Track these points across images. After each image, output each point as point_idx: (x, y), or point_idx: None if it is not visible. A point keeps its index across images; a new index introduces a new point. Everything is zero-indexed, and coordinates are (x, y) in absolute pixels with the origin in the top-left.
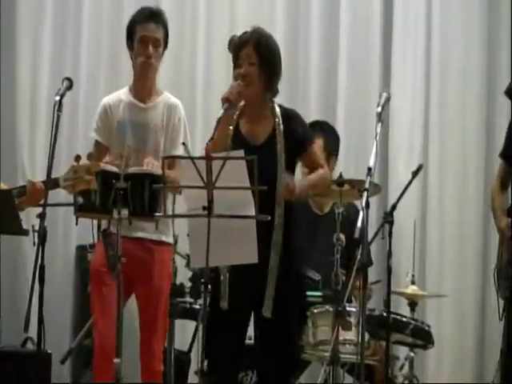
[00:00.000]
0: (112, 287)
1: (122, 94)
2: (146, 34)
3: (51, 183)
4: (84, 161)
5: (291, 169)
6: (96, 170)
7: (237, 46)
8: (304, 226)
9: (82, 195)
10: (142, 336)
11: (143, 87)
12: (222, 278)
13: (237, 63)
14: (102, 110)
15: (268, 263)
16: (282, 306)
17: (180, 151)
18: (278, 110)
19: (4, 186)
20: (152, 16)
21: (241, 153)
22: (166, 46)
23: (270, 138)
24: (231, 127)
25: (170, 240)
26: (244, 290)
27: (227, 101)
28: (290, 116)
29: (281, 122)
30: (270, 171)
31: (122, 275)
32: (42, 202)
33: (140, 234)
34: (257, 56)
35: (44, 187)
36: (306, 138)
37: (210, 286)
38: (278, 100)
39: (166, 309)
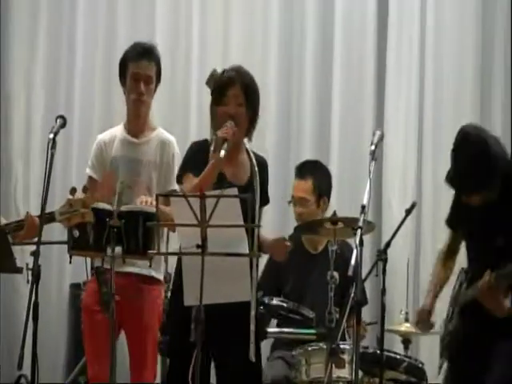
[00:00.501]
0: (104, 325)
1: (117, 130)
2: (138, 71)
3: (47, 218)
4: (79, 193)
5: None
6: (91, 204)
7: (223, 83)
8: (297, 264)
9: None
10: (133, 372)
11: (136, 123)
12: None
13: (221, 101)
14: (96, 146)
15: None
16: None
17: (174, 187)
18: (251, 153)
19: (3, 221)
20: (144, 53)
21: (234, 191)
22: (158, 81)
23: (250, 182)
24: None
25: (160, 277)
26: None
27: (226, 140)
28: (263, 165)
29: (256, 167)
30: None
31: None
32: (36, 238)
33: (131, 269)
34: (244, 97)
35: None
36: (266, 195)
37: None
38: (273, 138)
39: (155, 345)
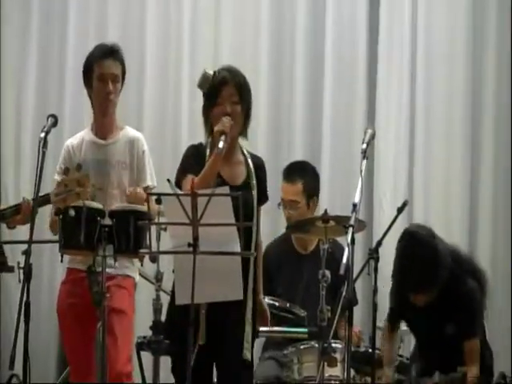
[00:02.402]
0: (77, 329)
1: (84, 133)
2: (103, 72)
3: (42, 200)
4: (74, 173)
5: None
6: (87, 182)
7: (216, 84)
8: (288, 265)
9: (66, 231)
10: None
11: (103, 124)
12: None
13: (215, 101)
14: (65, 151)
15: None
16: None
17: (149, 182)
18: (246, 153)
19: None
20: (109, 52)
21: (226, 189)
22: (123, 81)
23: (246, 182)
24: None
25: (135, 275)
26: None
27: (223, 133)
28: (259, 164)
29: (252, 167)
30: (247, 211)
31: (81, 310)
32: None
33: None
34: (238, 96)
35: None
36: (265, 194)
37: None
38: (263, 137)
39: (130, 330)
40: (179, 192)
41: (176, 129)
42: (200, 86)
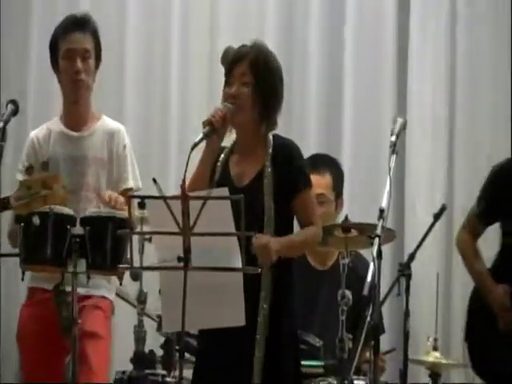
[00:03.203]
0: (41, 360)
1: (52, 123)
2: (70, 47)
3: (0, 204)
4: (38, 172)
5: (287, 217)
6: (54, 183)
7: (231, 61)
8: (301, 284)
9: (28, 243)
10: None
11: (75, 112)
12: None
13: (227, 81)
14: (28, 145)
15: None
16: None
17: (131, 184)
18: (271, 142)
19: None
20: (76, 24)
21: (224, 191)
22: (99, 59)
23: (257, 178)
24: (219, 163)
25: (111, 297)
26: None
27: (209, 125)
28: (283, 149)
29: (270, 160)
30: (255, 218)
31: (48, 338)
32: None
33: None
34: (252, 75)
35: None
36: (300, 181)
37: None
38: None
39: (107, 357)
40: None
41: (163, 123)
42: (222, 63)
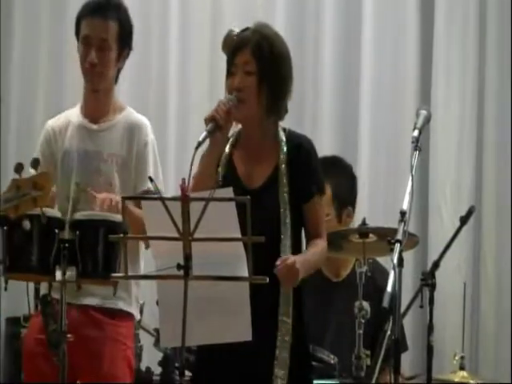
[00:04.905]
0: (51, 375)
1: (73, 113)
2: (88, 34)
3: None
4: (29, 171)
5: (300, 222)
6: (46, 184)
7: (232, 48)
8: (314, 297)
9: (12, 248)
10: None
11: (94, 101)
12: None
13: (230, 71)
14: (44, 136)
15: (269, 343)
16: None
17: (149, 185)
18: (283, 139)
19: None
20: (98, 8)
21: (229, 192)
22: (125, 47)
23: (271, 179)
24: (223, 158)
25: (132, 310)
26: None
27: (212, 120)
28: (296, 145)
29: (285, 158)
30: (270, 224)
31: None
32: None
33: (88, 301)
34: (256, 63)
35: None
36: (314, 184)
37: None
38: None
39: None
40: (165, 195)
41: (162, 117)
42: (223, 49)
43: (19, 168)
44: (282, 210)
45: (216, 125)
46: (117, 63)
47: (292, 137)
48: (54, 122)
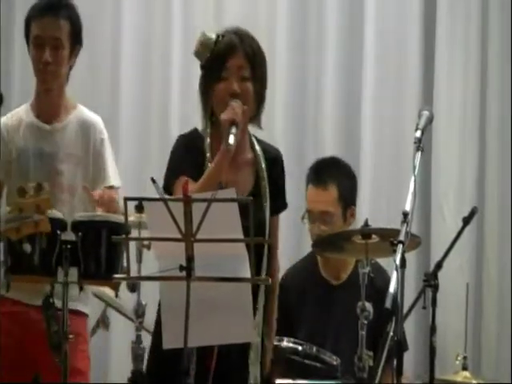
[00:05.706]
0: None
1: (23, 112)
2: (39, 34)
3: None
4: (31, 194)
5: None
6: (48, 208)
7: (221, 52)
8: (314, 299)
9: (14, 251)
10: None
11: (46, 100)
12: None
13: (218, 76)
14: None
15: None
16: None
17: (112, 182)
18: (259, 152)
19: None
20: (50, 8)
21: (231, 192)
22: (76, 45)
23: (255, 191)
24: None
25: (86, 310)
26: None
27: (234, 123)
28: (274, 161)
29: (265, 175)
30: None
31: (23, 355)
32: None
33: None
34: (250, 69)
35: None
36: (283, 198)
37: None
38: (280, 128)
39: None
40: (167, 196)
41: (163, 118)
42: (197, 54)
43: (22, 191)
44: (266, 217)
45: (237, 127)
46: (69, 61)
47: (267, 149)
48: (6, 120)
